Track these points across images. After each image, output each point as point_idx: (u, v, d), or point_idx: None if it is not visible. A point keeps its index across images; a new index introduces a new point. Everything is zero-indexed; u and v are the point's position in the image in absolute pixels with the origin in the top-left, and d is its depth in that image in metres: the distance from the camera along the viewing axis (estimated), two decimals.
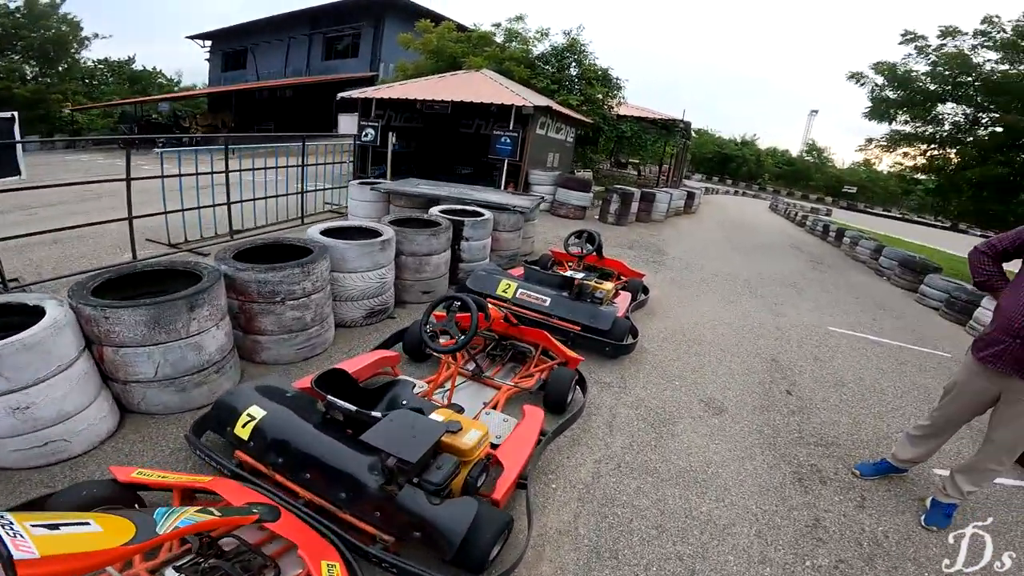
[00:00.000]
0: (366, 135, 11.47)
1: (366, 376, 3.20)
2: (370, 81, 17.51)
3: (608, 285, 4.90)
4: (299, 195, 7.47)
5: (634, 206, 12.33)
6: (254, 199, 6.79)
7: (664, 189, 15.47)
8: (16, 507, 1.84)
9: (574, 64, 16.98)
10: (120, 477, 2.09)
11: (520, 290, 4.50)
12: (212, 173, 6.21)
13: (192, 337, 2.89)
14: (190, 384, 2.98)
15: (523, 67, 16.01)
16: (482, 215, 5.70)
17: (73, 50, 22.80)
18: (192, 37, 26.93)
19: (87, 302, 2.67)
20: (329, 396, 2.44)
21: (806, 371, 4.84)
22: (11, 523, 1.30)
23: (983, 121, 12.48)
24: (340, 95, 12.27)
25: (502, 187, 10.85)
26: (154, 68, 30.14)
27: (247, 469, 2.39)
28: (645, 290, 6.02)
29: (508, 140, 11.06)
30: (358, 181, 7.79)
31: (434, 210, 5.65)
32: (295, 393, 2.66)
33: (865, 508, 2.95)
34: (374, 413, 2.35)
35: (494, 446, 2.58)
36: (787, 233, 17.04)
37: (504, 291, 4.43)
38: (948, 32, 12.01)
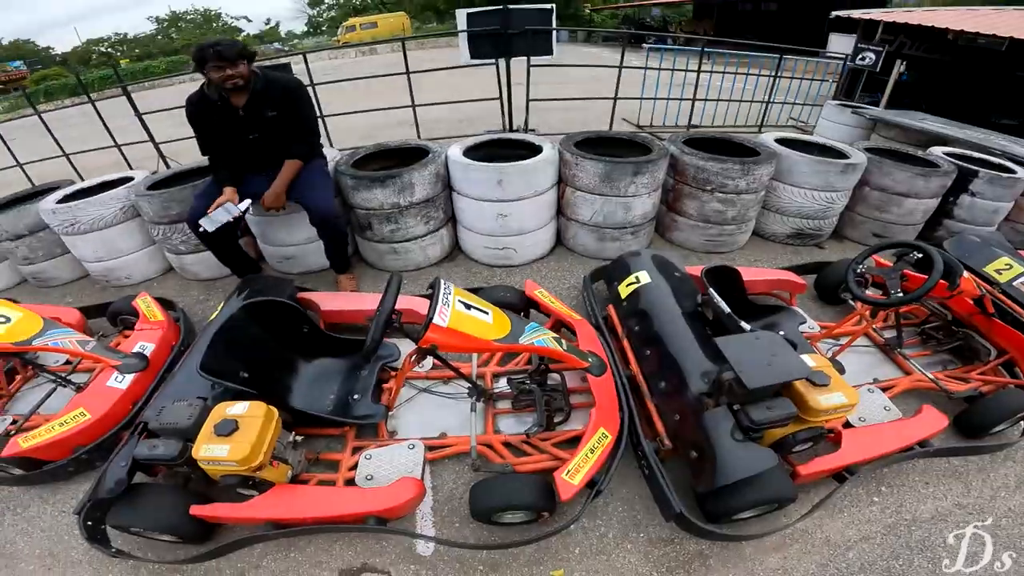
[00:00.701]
0: (863, 59, 9.63)
1: (757, 291, 2.96)
2: (880, 2, 13.99)
3: None
4: (763, 104, 7.10)
5: None
6: (718, 100, 7.09)
7: None
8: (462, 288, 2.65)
9: None
10: (526, 291, 2.72)
11: None
12: (686, 71, 6.62)
13: (627, 198, 3.26)
14: (608, 236, 3.44)
15: None
16: (1013, 172, 3.90)
17: None
18: None
19: (569, 150, 3.33)
20: (711, 289, 2.35)
21: None
22: (449, 294, 1.81)
23: None
24: (835, 13, 10.53)
25: None
26: None
27: (608, 324, 2.64)
28: None
29: None
30: (837, 102, 6.70)
31: (936, 150, 4.22)
32: (683, 275, 2.68)
33: None
34: (744, 324, 2.14)
35: (849, 425, 2.12)
36: None
37: (999, 271, 3.02)
38: None
